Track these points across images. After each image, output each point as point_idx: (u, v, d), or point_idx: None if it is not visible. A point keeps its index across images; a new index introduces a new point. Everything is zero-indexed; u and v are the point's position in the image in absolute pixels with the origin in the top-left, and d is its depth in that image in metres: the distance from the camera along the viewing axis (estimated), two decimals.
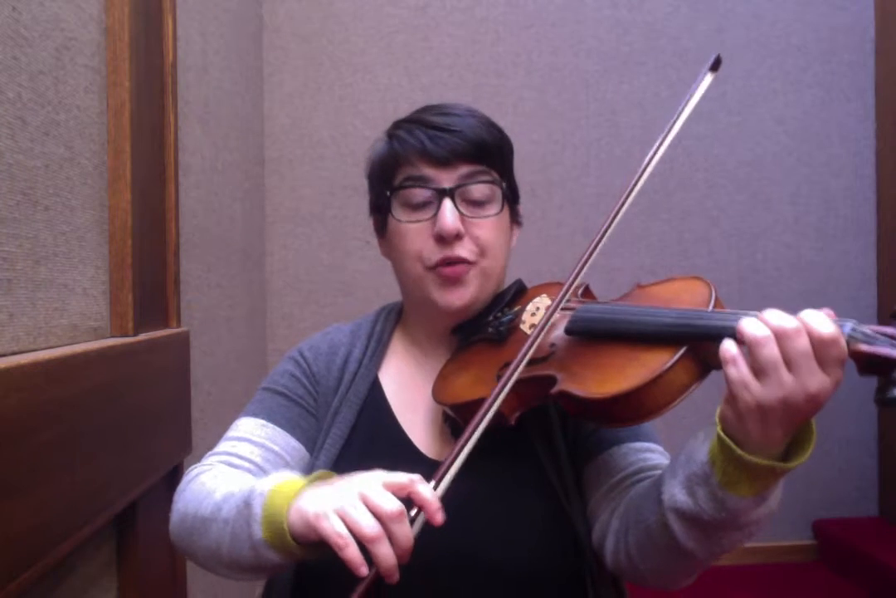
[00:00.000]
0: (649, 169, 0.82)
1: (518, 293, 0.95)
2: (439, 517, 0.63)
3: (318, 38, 2.53)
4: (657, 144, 0.83)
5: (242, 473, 0.82)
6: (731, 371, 0.64)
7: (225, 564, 0.75)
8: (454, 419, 0.86)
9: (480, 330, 0.91)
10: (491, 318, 0.91)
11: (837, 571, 2.54)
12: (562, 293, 0.79)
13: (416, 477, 0.65)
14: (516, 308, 0.91)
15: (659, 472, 0.80)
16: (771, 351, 0.62)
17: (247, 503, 0.70)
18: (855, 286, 2.74)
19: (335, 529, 0.61)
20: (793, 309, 0.64)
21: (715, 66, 0.86)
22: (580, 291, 0.89)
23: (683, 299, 0.76)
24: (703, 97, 0.84)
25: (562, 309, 0.84)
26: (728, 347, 0.65)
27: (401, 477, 0.65)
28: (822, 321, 0.62)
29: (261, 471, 0.85)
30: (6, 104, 0.78)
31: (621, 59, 2.65)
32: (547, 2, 2.62)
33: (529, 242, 2.46)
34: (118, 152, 1.05)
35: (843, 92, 2.73)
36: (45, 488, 0.78)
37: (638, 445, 0.87)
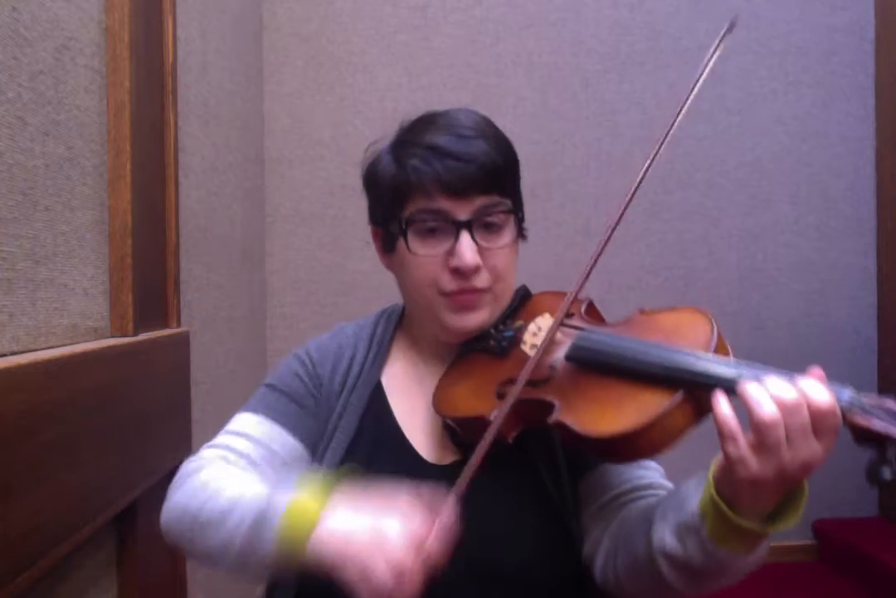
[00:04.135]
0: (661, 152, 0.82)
1: (523, 300, 0.95)
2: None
3: (318, 38, 2.53)
4: (676, 114, 0.82)
5: (243, 471, 0.82)
6: (730, 449, 0.63)
7: (226, 566, 0.75)
8: (453, 428, 0.87)
9: (482, 339, 0.90)
10: (493, 330, 0.91)
11: (837, 571, 2.54)
12: (556, 319, 0.80)
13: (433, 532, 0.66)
14: (519, 323, 0.91)
15: (653, 492, 0.82)
16: (779, 434, 0.61)
17: (259, 520, 0.71)
18: (855, 286, 2.73)
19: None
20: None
21: (731, 29, 0.85)
22: (584, 308, 0.88)
23: (685, 333, 0.75)
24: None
25: (566, 327, 0.84)
26: (727, 422, 0.63)
27: (421, 529, 0.66)
28: (819, 391, 0.62)
29: (257, 468, 0.85)
30: (6, 104, 0.78)
31: (621, 59, 2.64)
32: (547, 2, 2.61)
33: (529, 242, 2.45)
34: (118, 152, 1.05)
35: (843, 92, 2.73)
36: (45, 488, 0.78)
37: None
